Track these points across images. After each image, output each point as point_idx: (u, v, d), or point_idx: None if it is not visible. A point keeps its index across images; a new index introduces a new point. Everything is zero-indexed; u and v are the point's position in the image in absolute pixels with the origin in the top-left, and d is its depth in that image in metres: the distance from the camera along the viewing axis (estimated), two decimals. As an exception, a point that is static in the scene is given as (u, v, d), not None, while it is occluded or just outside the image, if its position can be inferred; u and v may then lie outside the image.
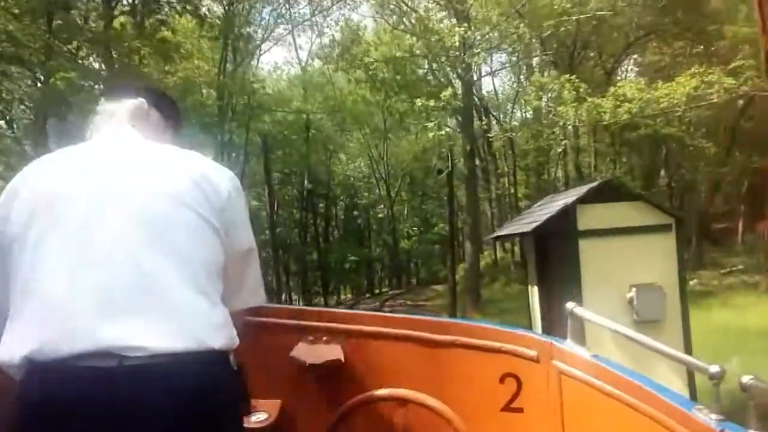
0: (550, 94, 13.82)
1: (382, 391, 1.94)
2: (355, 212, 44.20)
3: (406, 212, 45.15)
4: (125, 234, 1.13)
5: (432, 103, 17.52)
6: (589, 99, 13.17)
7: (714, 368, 1.24)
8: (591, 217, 5.72)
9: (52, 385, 1.04)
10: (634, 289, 5.54)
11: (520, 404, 1.80)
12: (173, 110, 1.57)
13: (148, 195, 1.19)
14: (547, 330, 5.75)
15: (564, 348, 1.69)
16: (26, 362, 1.06)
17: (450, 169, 21.73)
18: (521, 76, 27.83)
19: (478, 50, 15.23)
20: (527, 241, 7.04)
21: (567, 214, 5.84)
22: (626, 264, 5.60)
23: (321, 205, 40.66)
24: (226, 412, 1.17)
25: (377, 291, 39.63)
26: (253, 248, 1.38)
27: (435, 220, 47.85)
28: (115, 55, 14.13)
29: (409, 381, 1.92)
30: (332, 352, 1.93)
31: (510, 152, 28.66)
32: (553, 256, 6.13)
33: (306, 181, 34.45)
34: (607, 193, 6.10)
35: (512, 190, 30.61)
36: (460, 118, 19.15)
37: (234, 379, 1.23)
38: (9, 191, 1.22)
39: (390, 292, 34.51)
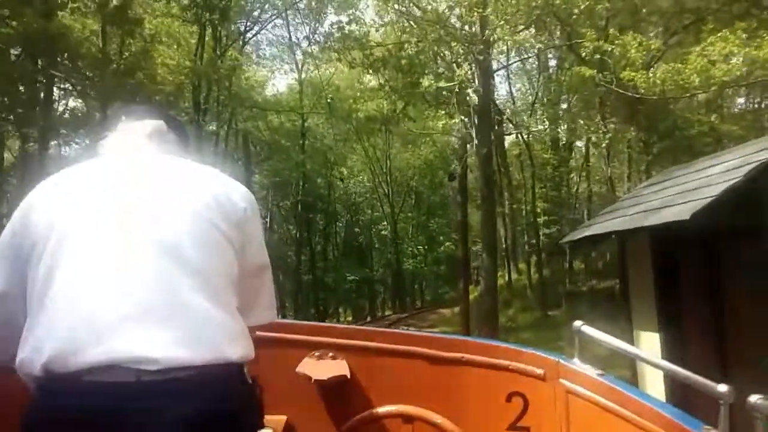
0: (608, 57, 10.87)
1: (388, 408, 1.96)
2: (356, 229, 41.26)
3: (410, 230, 42.37)
4: (144, 246, 1.13)
5: (442, 83, 14.78)
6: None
7: (722, 388, 1.29)
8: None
9: (65, 399, 1.04)
10: None
11: (526, 423, 1.79)
12: (186, 135, 1.55)
13: (167, 208, 1.19)
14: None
15: (572, 366, 1.71)
16: (42, 373, 1.06)
17: (463, 171, 18.84)
18: (541, 77, 25.11)
19: (501, 23, 12.43)
20: (637, 248, 4.03)
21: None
22: None
23: (320, 220, 37.81)
24: (241, 426, 1.15)
25: (379, 314, 37.91)
26: (266, 265, 1.40)
27: (441, 238, 45.08)
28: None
29: (415, 398, 1.93)
30: (339, 367, 1.94)
31: (528, 161, 25.82)
32: (702, 278, 3.14)
33: (301, 193, 31.53)
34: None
35: (528, 206, 27.69)
36: (475, 116, 16.39)
37: (250, 392, 1.21)
38: (27, 204, 1.23)
39: (393, 316, 31.61)
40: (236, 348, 1.13)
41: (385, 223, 39.50)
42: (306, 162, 30.93)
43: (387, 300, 45.24)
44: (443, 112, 15.64)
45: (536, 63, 25.81)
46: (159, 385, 1.01)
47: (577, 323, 1.72)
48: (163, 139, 1.40)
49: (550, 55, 23.30)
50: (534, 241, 26.04)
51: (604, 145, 18.54)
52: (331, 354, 1.97)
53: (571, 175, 26.27)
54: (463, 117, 16.83)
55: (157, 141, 1.38)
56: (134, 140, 1.36)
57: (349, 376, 1.93)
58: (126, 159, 1.30)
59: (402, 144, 38.77)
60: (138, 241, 1.12)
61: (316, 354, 1.97)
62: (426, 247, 42.22)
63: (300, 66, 32.40)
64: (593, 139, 19.95)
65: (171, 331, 1.06)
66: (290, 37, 32.26)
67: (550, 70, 24.78)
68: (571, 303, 21.86)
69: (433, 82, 14.23)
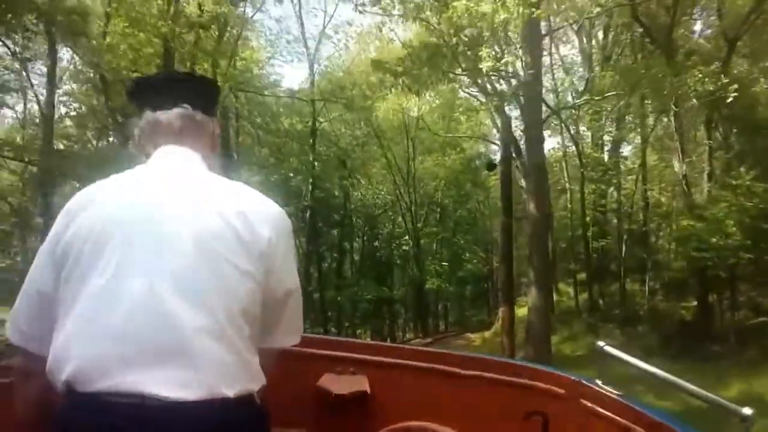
0: None
1: (407, 424, 1.95)
2: (375, 243, 37.74)
3: (434, 246, 38.81)
4: (155, 282, 1.14)
5: (489, 63, 11.50)
6: None
7: (746, 411, 1.30)
8: None
9: (75, 418, 1.11)
10: None
11: None
12: (215, 98, 1.53)
13: (186, 244, 1.18)
14: None
15: (593, 387, 1.69)
16: (63, 387, 1.13)
17: (507, 160, 15.35)
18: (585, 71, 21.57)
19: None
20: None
21: None
22: None
23: (335, 233, 34.45)
24: None
25: (399, 336, 35.18)
26: (292, 290, 1.35)
27: (468, 255, 41.38)
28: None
29: (434, 414, 1.93)
30: (359, 383, 1.98)
31: (575, 161, 22.15)
32: None
33: (310, 199, 28.02)
34: None
35: (572, 215, 23.93)
36: (520, 93, 12.96)
37: (252, 420, 1.21)
38: (67, 213, 1.27)
39: (414, 341, 27.97)
40: (234, 387, 1.14)
41: (407, 237, 36.03)
42: (316, 164, 27.54)
43: (407, 321, 41.49)
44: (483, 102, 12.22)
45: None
46: (158, 412, 1.07)
47: (600, 343, 1.76)
48: (193, 132, 1.38)
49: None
50: (583, 255, 22.21)
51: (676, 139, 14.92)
52: (351, 369, 1.99)
53: (630, 178, 22.42)
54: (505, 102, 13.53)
55: (187, 136, 1.37)
56: (162, 148, 1.35)
57: (369, 392, 1.96)
58: (153, 178, 1.30)
59: (426, 152, 35.59)
60: (148, 276, 1.13)
61: (337, 369, 2.00)
62: (450, 265, 38.59)
63: (312, 51, 28.78)
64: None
65: (171, 370, 1.09)
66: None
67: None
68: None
69: (490, 63, 10.92)
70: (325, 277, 32.90)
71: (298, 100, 28.35)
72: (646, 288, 20.34)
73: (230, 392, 1.12)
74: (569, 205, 23.98)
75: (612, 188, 22.19)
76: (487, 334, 25.39)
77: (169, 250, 1.15)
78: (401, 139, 34.19)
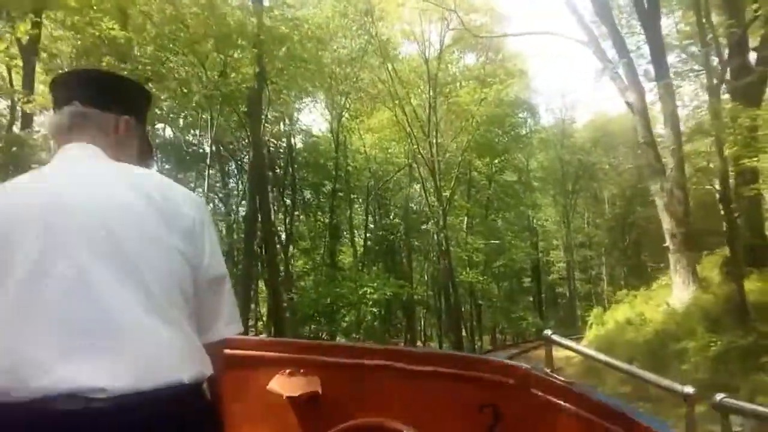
0: None
1: (360, 421, 1.94)
2: (386, 220, 27.40)
3: (463, 226, 28.52)
4: (84, 264, 1.07)
5: None
6: None
7: (688, 389, 1.44)
8: None
9: (14, 427, 1.00)
10: None
11: None
12: (114, 93, 1.38)
13: (104, 221, 1.12)
14: None
15: (542, 376, 1.75)
16: None
17: None
18: None
19: None
20: None
21: None
22: None
23: (323, 203, 24.18)
24: None
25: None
26: (223, 275, 1.28)
27: (511, 239, 30.97)
28: None
29: (388, 411, 1.93)
30: (310, 384, 1.95)
31: None
32: None
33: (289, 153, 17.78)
34: None
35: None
36: None
37: (206, 411, 1.17)
38: None
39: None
40: (187, 369, 1.09)
41: (429, 213, 25.82)
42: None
43: (430, 327, 31.15)
44: None
45: None
46: (108, 412, 0.99)
47: (547, 332, 1.91)
48: (84, 127, 1.30)
49: None
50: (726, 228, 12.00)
51: None
52: (302, 370, 1.97)
53: None
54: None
55: (80, 131, 1.29)
56: (62, 145, 1.29)
57: (321, 392, 1.94)
58: (57, 171, 1.24)
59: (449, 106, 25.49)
60: (78, 261, 1.07)
61: (288, 371, 1.97)
62: (485, 254, 28.36)
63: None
64: None
65: (117, 357, 1.03)
66: None
67: None
68: None
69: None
70: (316, 268, 22.76)
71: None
72: None
73: (185, 376, 1.08)
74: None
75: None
76: (572, 355, 15.23)
77: (91, 232, 1.09)
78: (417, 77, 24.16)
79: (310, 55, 16.45)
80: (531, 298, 37.78)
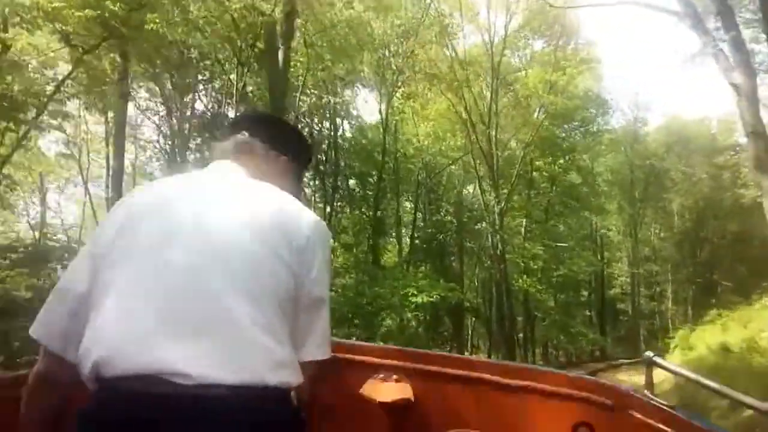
0: None
1: None
2: (436, 217, 25.22)
3: (523, 229, 26.11)
4: (198, 262, 1.14)
5: None
6: None
7: None
8: None
9: (102, 405, 1.07)
10: None
11: None
12: (281, 135, 1.53)
13: (226, 227, 1.19)
14: None
15: (642, 398, 1.69)
16: (91, 375, 1.09)
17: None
18: None
19: None
20: None
21: None
22: None
23: (370, 197, 22.20)
24: None
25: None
26: (324, 299, 1.31)
27: (572, 247, 28.25)
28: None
29: (479, 424, 1.89)
30: (403, 391, 1.93)
31: None
32: None
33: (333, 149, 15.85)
34: None
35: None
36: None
37: (291, 416, 1.19)
38: (111, 211, 1.31)
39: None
40: (276, 376, 1.11)
41: (484, 212, 23.55)
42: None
43: (479, 338, 28.77)
44: None
45: None
46: (193, 399, 1.02)
47: (648, 354, 1.83)
48: (247, 153, 1.42)
49: None
50: None
51: None
52: (395, 377, 1.95)
53: None
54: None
55: (241, 156, 1.41)
56: (218, 161, 1.41)
57: (413, 400, 1.92)
58: (199, 177, 1.36)
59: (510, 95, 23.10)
60: (193, 258, 1.14)
61: (381, 376, 1.95)
62: (544, 261, 25.79)
63: None
64: None
65: (211, 348, 1.06)
66: None
67: None
68: None
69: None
70: (357, 265, 20.86)
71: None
72: None
73: (273, 380, 1.11)
74: None
75: None
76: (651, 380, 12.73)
77: (210, 230, 1.17)
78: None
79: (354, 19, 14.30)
80: (588, 312, 34.85)
